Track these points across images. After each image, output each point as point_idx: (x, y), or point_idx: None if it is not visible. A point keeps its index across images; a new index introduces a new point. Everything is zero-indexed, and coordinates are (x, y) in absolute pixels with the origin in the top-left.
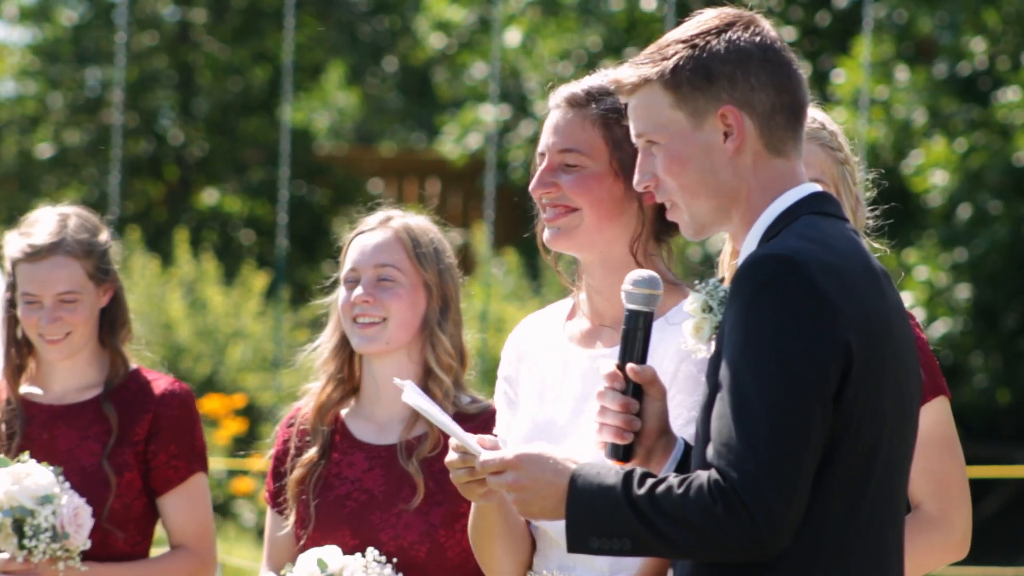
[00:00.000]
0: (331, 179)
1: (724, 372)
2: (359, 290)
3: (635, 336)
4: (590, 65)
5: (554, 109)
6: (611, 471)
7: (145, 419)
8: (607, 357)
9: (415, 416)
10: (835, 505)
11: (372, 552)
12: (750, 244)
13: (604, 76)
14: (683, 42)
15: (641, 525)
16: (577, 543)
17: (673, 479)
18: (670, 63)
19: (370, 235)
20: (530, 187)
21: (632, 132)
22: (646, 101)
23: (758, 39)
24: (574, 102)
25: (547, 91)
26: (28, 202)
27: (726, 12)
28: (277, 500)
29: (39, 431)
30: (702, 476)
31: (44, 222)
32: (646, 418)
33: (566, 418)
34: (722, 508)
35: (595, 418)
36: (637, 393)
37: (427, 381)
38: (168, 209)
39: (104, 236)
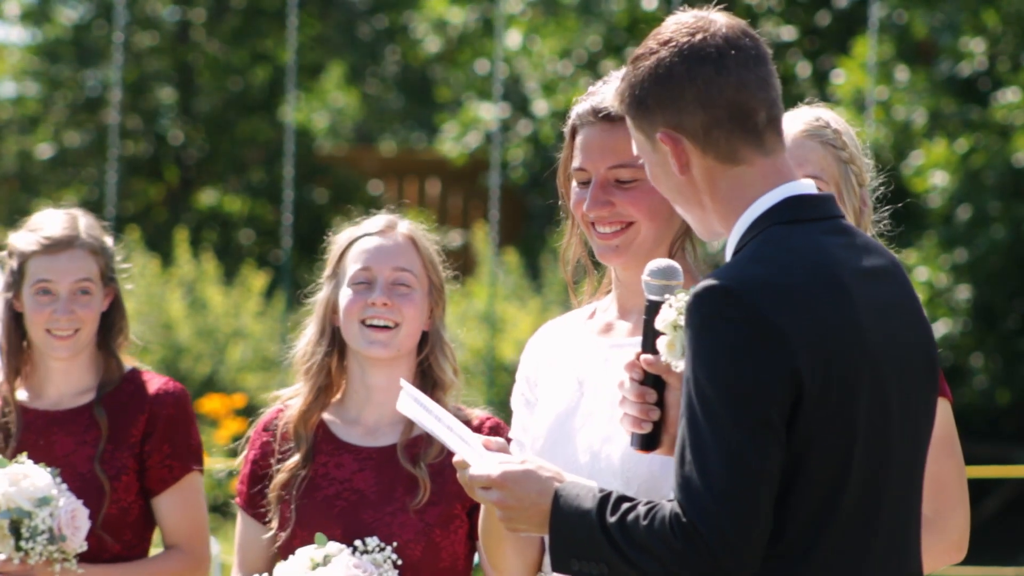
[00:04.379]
0: (331, 179)
1: (682, 402)
2: (376, 293)
3: (653, 326)
4: (590, 65)
5: (586, 126)
6: (589, 494)
7: (140, 420)
8: (625, 346)
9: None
10: (801, 526)
11: (373, 539)
12: (727, 259)
13: (619, 80)
14: (630, 65)
15: (613, 552)
16: (559, 564)
17: (642, 508)
18: (619, 91)
19: (380, 238)
20: (584, 208)
21: None
22: (627, 123)
23: (686, 56)
24: (609, 114)
25: (551, 93)
26: (28, 202)
27: (675, 25)
28: (255, 505)
29: (36, 437)
30: (665, 508)
31: (56, 218)
32: (667, 407)
33: (585, 404)
34: (683, 543)
35: (617, 407)
36: (657, 383)
37: (435, 391)
38: (168, 209)
39: (110, 241)
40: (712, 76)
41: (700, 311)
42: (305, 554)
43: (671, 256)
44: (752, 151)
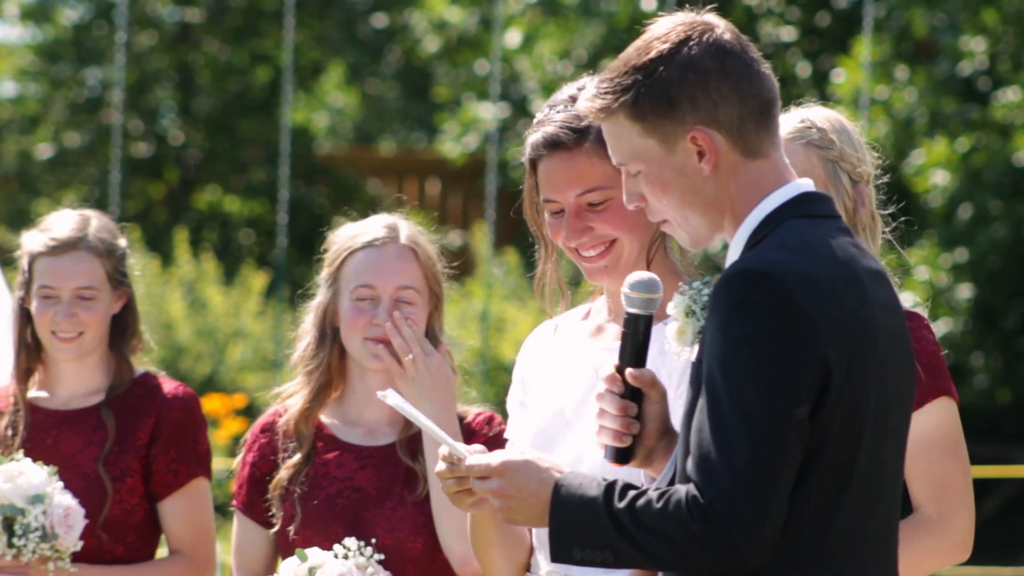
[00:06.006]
0: (331, 179)
1: (703, 386)
2: (381, 314)
3: (634, 339)
4: (590, 65)
5: (544, 158)
6: (593, 482)
7: (147, 423)
8: (615, 349)
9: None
10: (811, 516)
11: (352, 540)
12: (734, 252)
13: (565, 103)
14: (640, 69)
15: (621, 538)
16: (560, 553)
17: (653, 492)
18: (630, 96)
19: (384, 251)
20: (561, 240)
21: (611, 158)
22: (616, 131)
23: (713, 50)
24: (563, 144)
25: (551, 94)
26: (28, 202)
27: (680, 25)
28: (253, 508)
29: (43, 435)
30: (680, 491)
31: (66, 220)
32: (645, 420)
33: (573, 407)
34: (700, 524)
35: (595, 419)
36: (636, 395)
37: None
38: (168, 209)
39: (123, 242)
40: (742, 68)
41: (731, 293)
42: (289, 569)
43: (651, 258)
44: (769, 143)
